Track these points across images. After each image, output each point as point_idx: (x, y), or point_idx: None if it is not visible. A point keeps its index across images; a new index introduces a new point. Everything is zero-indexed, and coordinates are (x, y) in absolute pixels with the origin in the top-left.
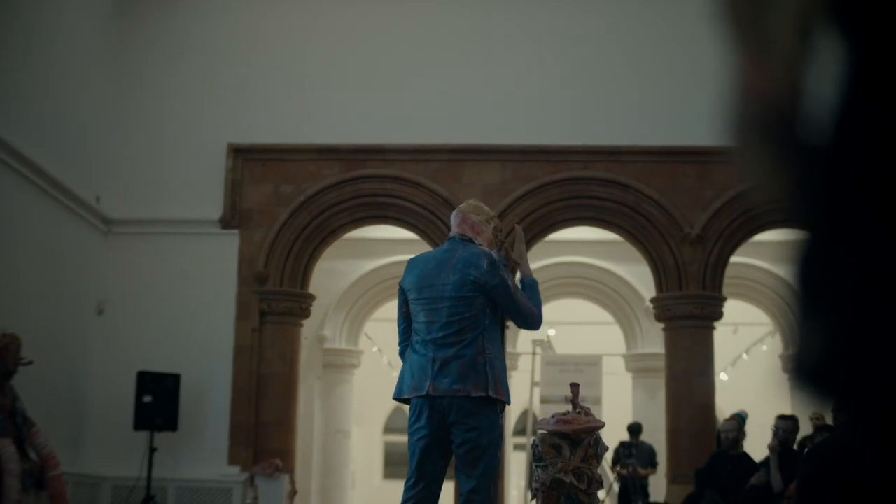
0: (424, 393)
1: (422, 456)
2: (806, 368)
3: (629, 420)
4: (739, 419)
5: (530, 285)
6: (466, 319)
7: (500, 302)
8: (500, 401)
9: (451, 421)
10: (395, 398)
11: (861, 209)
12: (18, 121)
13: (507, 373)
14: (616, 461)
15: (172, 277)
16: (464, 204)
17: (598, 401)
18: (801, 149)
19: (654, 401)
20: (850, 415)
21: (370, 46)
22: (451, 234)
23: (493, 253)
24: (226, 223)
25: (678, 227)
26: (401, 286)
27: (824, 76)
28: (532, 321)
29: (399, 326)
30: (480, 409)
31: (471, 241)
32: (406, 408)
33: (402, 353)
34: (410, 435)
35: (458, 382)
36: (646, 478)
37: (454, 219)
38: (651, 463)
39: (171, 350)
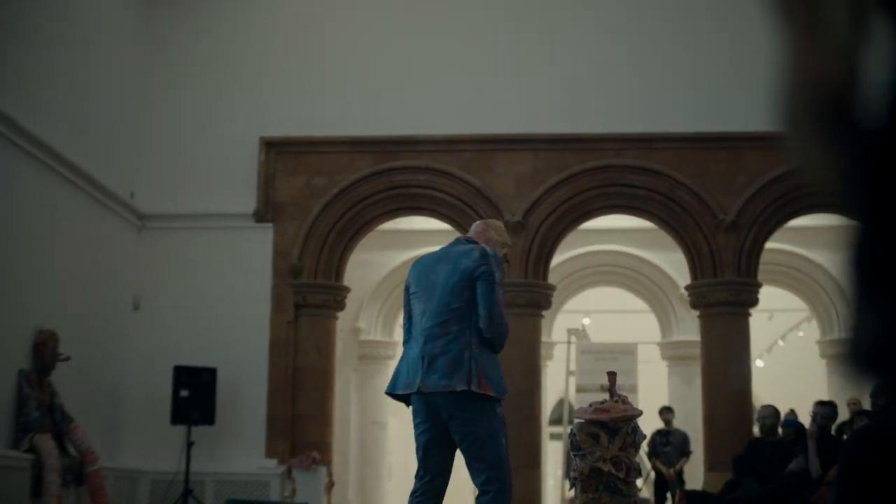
0: (416, 390)
1: (424, 450)
2: (862, 353)
3: None
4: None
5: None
6: (454, 311)
7: (480, 291)
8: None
9: (446, 417)
10: (388, 393)
11: None
12: (53, 118)
13: (542, 362)
14: (652, 450)
15: (207, 271)
16: (493, 220)
17: (633, 389)
18: (854, 133)
19: (689, 388)
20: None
21: (401, 38)
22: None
23: (490, 250)
24: (259, 217)
25: (712, 213)
26: (405, 285)
27: (879, 59)
28: (498, 325)
29: (404, 326)
30: (471, 401)
31: (475, 243)
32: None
33: None
34: (414, 429)
35: (446, 378)
36: (681, 467)
37: (476, 227)
38: (684, 451)
39: (208, 344)
